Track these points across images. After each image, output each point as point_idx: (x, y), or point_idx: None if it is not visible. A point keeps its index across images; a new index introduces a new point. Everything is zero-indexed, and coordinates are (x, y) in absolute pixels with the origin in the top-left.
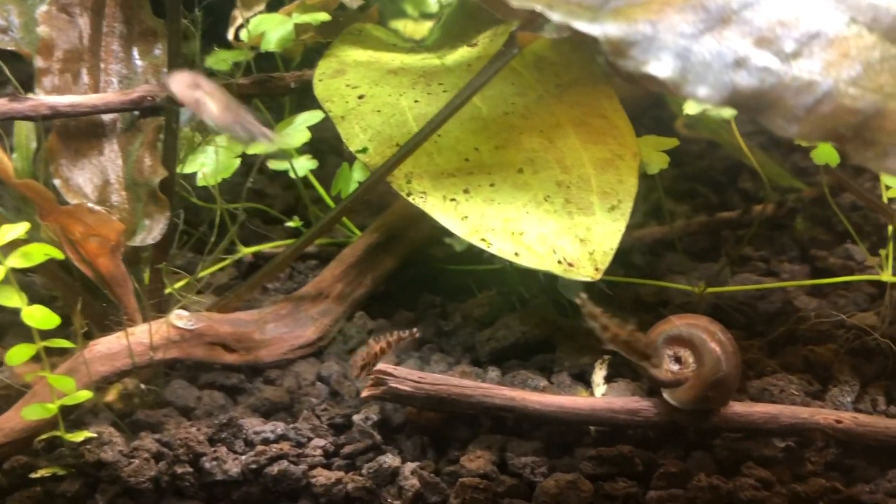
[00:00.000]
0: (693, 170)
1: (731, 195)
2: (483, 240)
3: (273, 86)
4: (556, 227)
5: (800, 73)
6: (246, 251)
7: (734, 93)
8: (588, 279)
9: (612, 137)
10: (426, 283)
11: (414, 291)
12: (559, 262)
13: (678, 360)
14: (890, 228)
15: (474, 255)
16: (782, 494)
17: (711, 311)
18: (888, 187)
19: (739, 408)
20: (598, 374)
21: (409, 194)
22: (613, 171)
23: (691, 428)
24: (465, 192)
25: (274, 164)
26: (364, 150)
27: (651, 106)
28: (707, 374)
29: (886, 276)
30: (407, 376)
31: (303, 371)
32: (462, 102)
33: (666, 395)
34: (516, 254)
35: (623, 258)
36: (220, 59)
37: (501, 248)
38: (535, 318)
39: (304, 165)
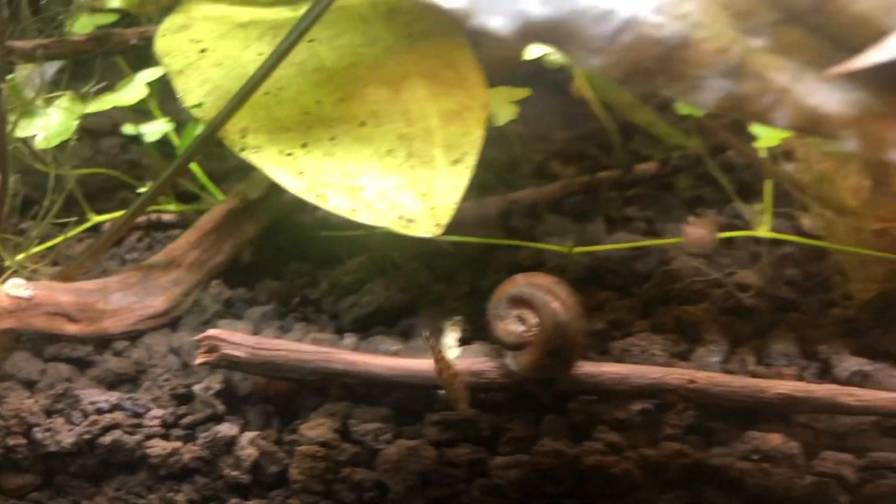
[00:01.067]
0: (585, 131)
1: (623, 156)
2: (319, 196)
3: (112, 43)
4: (397, 181)
5: None
6: (98, 219)
7: (528, 23)
8: (428, 235)
9: (461, 89)
10: (295, 250)
11: (282, 260)
12: (399, 217)
13: (522, 321)
14: (766, 184)
15: (346, 220)
16: (630, 459)
17: (587, 272)
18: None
19: (588, 368)
20: (451, 337)
21: (242, 150)
22: (460, 123)
23: (536, 391)
24: (304, 146)
25: (128, 129)
26: (199, 105)
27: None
28: (547, 336)
29: (763, 232)
30: (242, 342)
31: (154, 342)
32: (288, 48)
33: (509, 357)
34: (353, 210)
35: (503, 221)
36: (84, 24)
37: (339, 204)
38: (400, 283)
39: (156, 130)
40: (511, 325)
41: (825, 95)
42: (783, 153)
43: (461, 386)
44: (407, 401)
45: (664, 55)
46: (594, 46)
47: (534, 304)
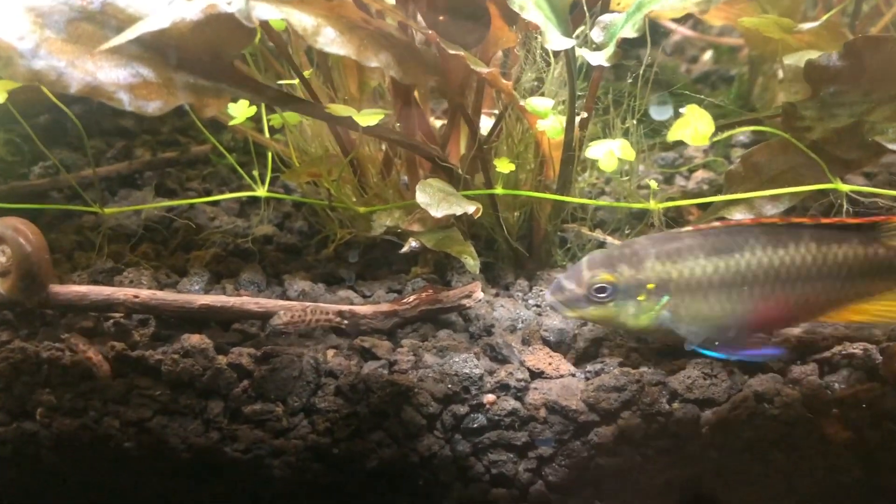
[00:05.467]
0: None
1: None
2: None
3: None
4: None
5: None
6: None
7: None
8: None
9: None
10: None
11: None
12: None
13: (3, 254)
14: (252, 148)
15: None
16: (83, 355)
17: (143, 230)
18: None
19: (58, 289)
20: None
21: None
22: None
23: (18, 306)
24: None
25: None
26: None
27: None
28: (18, 264)
29: (261, 192)
30: None
31: None
32: None
33: None
34: None
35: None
36: None
37: None
38: None
39: None
40: None
41: (104, 69)
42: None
43: None
44: None
45: None
46: None
47: (6, 240)
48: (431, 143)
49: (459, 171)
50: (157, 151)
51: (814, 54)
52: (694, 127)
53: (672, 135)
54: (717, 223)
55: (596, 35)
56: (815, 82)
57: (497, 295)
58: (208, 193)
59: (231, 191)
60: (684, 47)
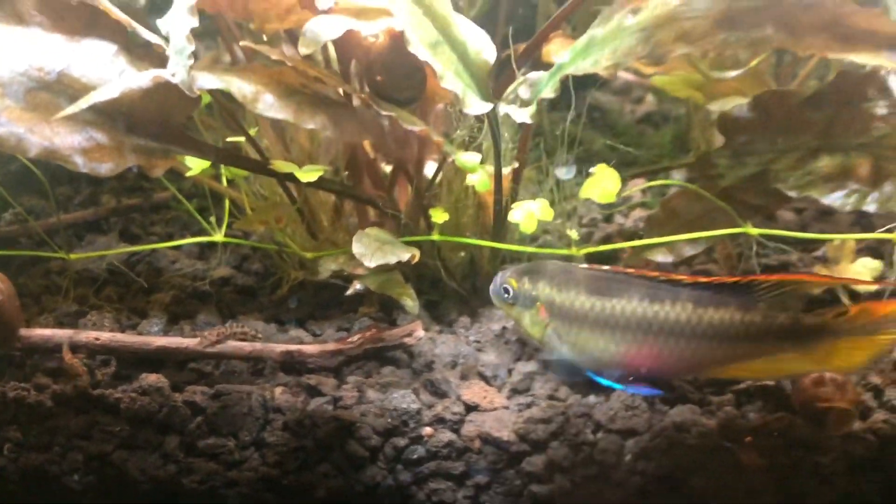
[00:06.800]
0: None
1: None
2: None
3: None
4: None
5: None
6: None
7: None
8: None
9: None
10: None
11: None
12: None
13: None
14: (209, 195)
15: None
16: (47, 394)
17: (107, 274)
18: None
19: (25, 332)
20: None
21: None
22: None
23: None
24: None
25: None
26: None
27: None
28: None
29: (218, 238)
30: None
31: None
32: None
33: None
34: None
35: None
36: None
37: None
38: None
39: None
40: None
41: (60, 135)
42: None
43: None
44: None
45: None
46: None
47: None
48: (379, 191)
49: (403, 217)
50: (122, 197)
51: (740, 100)
52: (602, 186)
53: (583, 193)
54: (606, 267)
55: (523, 92)
56: (728, 132)
57: (441, 332)
58: (170, 237)
59: (192, 234)
60: (631, 88)
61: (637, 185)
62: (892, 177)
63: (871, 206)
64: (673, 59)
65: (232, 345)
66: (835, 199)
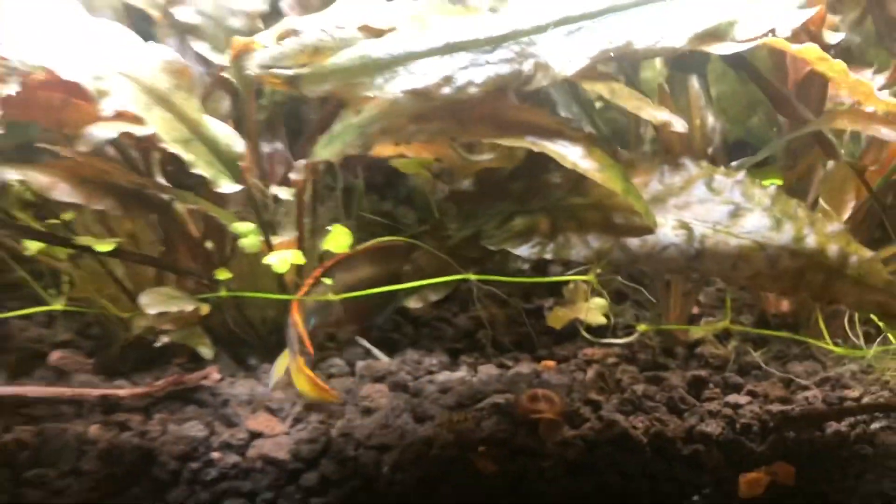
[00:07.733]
0: None
1: None
2: None
3: None
4: None
5: None
6: None
7: None
8: None
9: None
10: None
11: None
12: None
13: None
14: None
15: None
16: None
17: None
18: None
19: None
20: None
21: None
22: None
23: None
24: None
25: None
26: None
27: None
28: None
29: (58, 306)
30: None
31: None
32: None
33: None
34: None
35: None
36: None
37: None
38: None
39: None
40: None
41: None
42: None
43: None
44: None
45: None
46: None
47: None
48: (195, 260)
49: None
50: None
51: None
52: (336, 241)
53: (325, 245)
54: None
55: (293, 175)
56: (457, 202)
57: (244, 376)
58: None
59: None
60: None
61: None
62: (563, 231)
63: (548, 255)
64: (437, 143)
65: (52, 390)
66: (523, 250)
